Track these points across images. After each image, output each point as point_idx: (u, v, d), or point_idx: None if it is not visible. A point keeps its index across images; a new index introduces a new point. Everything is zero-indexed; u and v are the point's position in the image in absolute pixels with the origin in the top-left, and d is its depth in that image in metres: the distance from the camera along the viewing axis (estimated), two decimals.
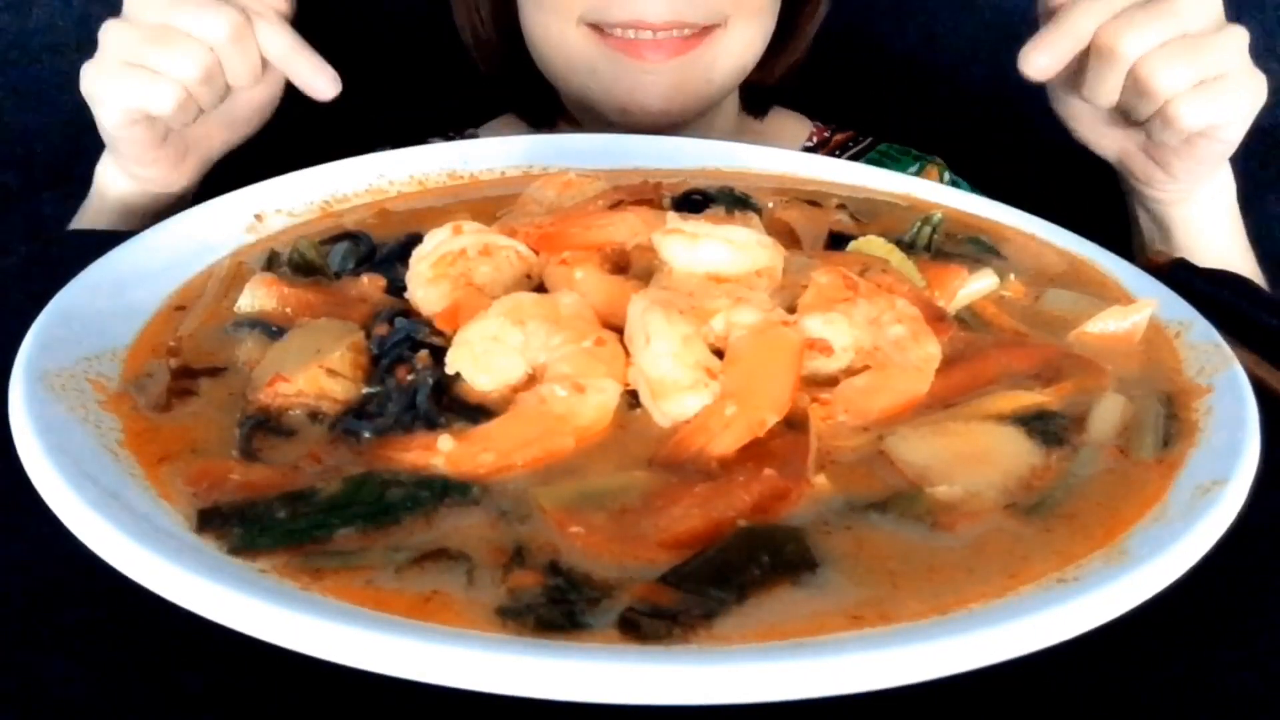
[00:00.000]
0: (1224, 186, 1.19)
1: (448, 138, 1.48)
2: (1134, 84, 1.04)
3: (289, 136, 1.20)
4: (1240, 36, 1.03)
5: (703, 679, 0.52)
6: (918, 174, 1.45)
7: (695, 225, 0.78)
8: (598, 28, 1.25)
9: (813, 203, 1.00)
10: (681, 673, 0.52)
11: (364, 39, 1.61)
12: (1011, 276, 0.90)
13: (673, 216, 0.80)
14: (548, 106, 1.44)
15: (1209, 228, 1.19)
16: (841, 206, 1.00)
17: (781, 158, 1.16)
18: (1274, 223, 1.51)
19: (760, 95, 1.49)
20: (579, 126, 1.42)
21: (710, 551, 0.60)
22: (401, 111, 1.52)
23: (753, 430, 0.68)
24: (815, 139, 1.55)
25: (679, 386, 0.69)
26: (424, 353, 0.74)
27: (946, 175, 1.49)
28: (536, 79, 1.39)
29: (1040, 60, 1.06)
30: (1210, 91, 1.02)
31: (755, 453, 0.67)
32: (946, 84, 1.68)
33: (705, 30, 1.24)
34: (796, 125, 1.56)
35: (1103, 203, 1.33)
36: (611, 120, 1.30)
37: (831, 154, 1.51)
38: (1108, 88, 1.06)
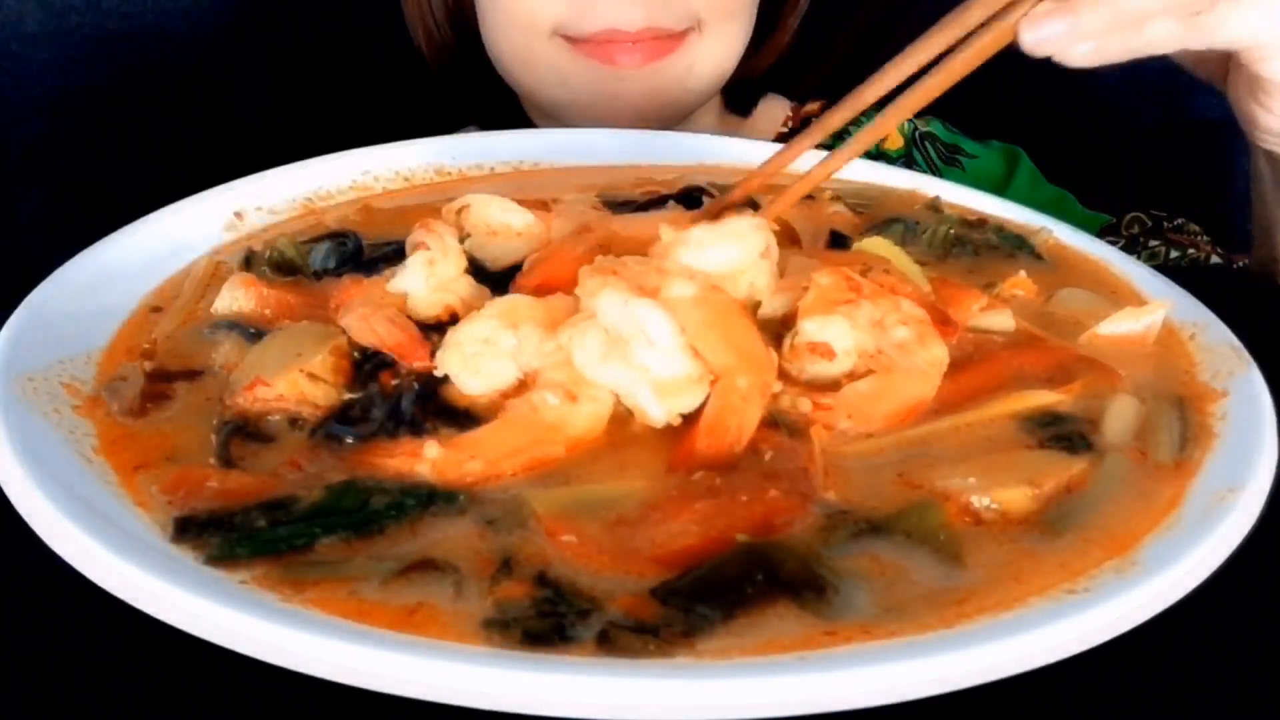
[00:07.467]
0: None
1: None
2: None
3: (269, 132, 1.18)
4: None
5: (685, 696, 0.51)
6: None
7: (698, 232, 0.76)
8: (568, 38, 1.20)
9: (807, 196, 0.98)
10: (661, 689, 0.51)
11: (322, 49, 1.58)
12: (1022, 273, 0.87)
13: (666, 230, 0.77)
14: (508, 111, 1.39)
15: None
16: (836, 198, 0.98)
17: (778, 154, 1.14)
18: None
19: (745, 91, 1.42)
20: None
21: (704, 568, 0.58)
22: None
23: (765, 394, 0.68)
24: (791, 124, 1.45)
25: (689, 381, 0.68)
26: None
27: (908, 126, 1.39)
28: (495, 82, 1.34)
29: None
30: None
31: (760, 469, 0.66)
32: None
33: (681, 34, 1.20)
34: (777, 108, 1.47)
35: (1093, 193, 1.33)
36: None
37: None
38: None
